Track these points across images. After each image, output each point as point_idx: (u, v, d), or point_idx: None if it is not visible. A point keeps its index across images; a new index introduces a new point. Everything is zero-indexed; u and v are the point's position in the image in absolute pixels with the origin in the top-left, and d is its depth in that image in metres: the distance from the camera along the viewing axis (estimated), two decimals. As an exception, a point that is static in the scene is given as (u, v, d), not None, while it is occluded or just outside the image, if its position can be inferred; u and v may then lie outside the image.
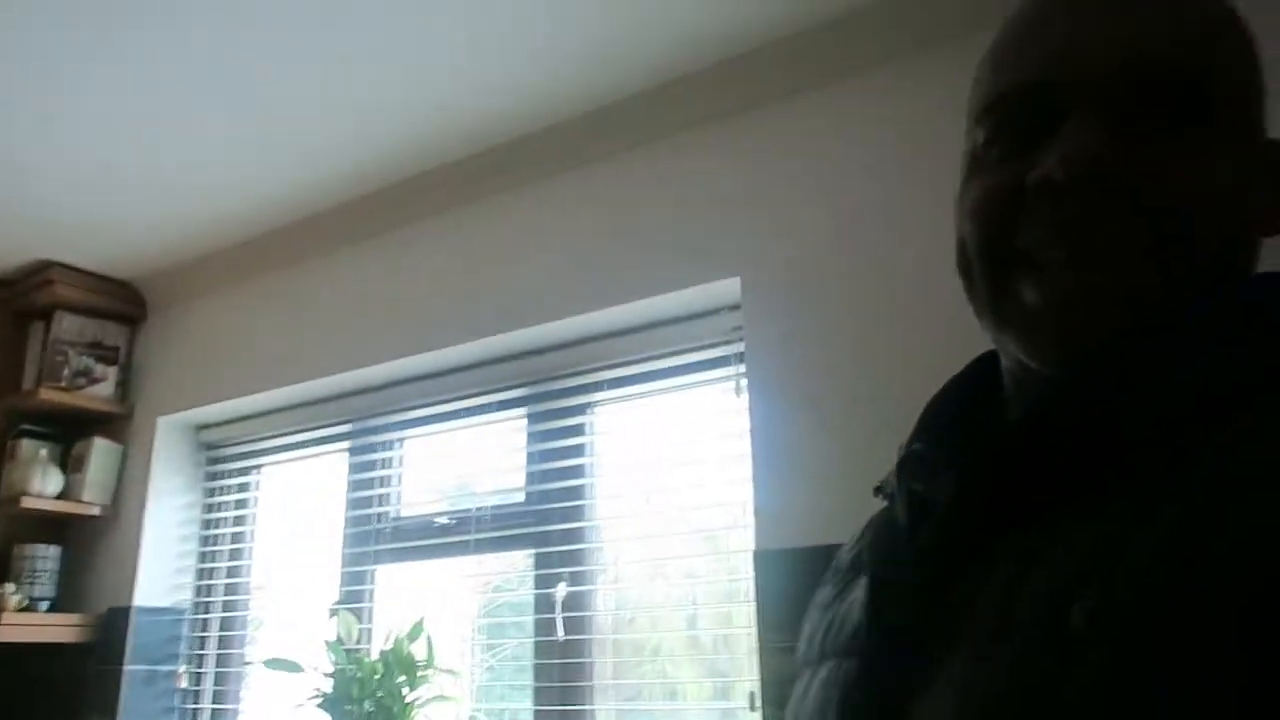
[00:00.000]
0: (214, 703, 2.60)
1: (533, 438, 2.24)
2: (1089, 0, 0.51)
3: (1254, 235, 0.52)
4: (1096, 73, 0.49)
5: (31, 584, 2.58)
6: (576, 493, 2.13)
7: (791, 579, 1.62)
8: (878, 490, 0.61)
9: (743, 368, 1.86)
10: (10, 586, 2.52)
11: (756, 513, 1.74)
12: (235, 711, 2.59)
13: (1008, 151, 0.52)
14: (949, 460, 0.54)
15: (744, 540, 1.85)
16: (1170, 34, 0.49)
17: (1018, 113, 0.51)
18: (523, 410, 2.27)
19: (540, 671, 2.07)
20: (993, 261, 0.52)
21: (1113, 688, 0.37)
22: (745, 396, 1.85)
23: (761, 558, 1.69)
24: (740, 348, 1.87)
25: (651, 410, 2.13)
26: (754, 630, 1.70)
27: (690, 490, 2.11)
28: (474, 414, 2.32)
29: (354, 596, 2.40)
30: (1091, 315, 0.47)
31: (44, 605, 2.59)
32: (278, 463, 2.71)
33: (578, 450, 2.16)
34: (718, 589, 2.00)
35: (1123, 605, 0.38)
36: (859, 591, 0.55)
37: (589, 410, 2.18)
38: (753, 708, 1.69)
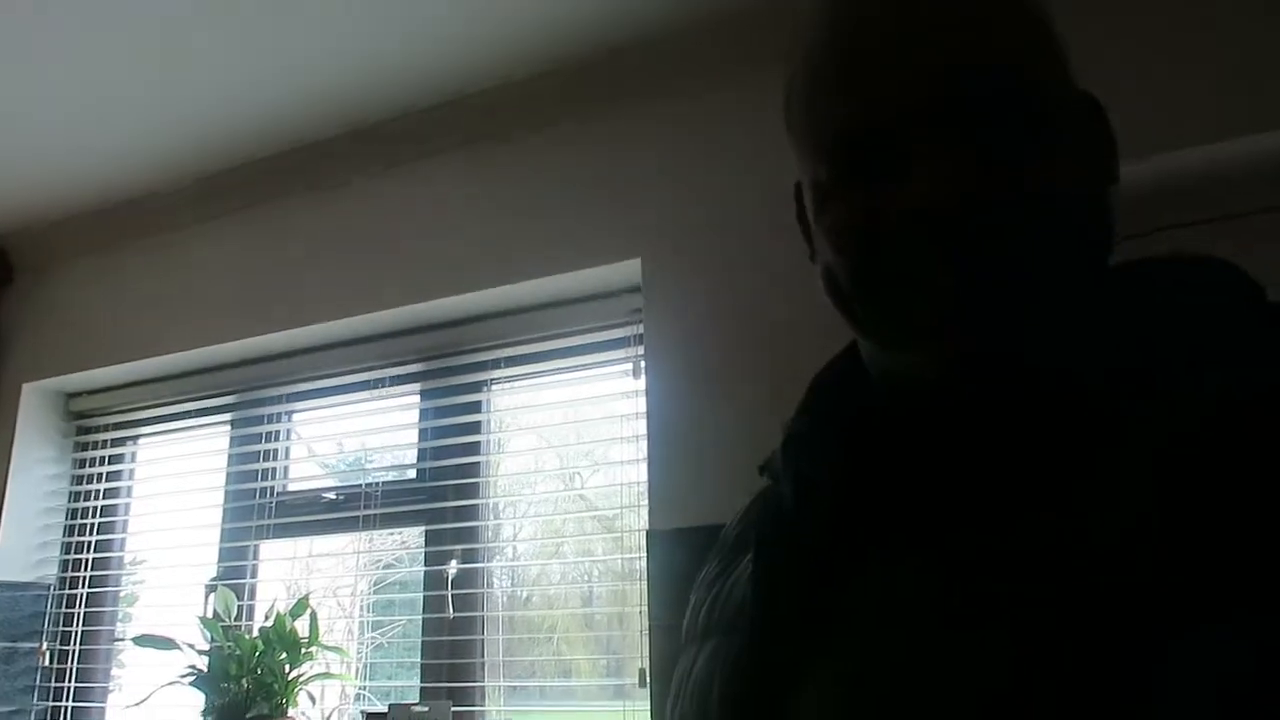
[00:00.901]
0: (79, 681, 2.48)
1: (426, 414, 2.21)
2: (906, 13, 0.50)
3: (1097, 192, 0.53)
4: (934, 104, 0.48)
5: (-124, 557, 2.41)
6: (471, 470, 2.11)
7: (684, 558, 1.65)
8: (762, 469, 0.62)
9: (641, 349, 1.88)
10: None
11: (650, 493, 1.76)
12: (103, 690, 2.48)
13: (853, 180, 0.51)
14: (831, 441, 0.55)
15: (638, 520, 1.87)
16: (988, 39, 0.49)
17: (859, 147, 0.51)
18: (416, 386, 2.23)
19: (429, 649, 2.05)
20: (869, 286, 0.51)
21: (1002, 668, 0.39)
22: (643, 378, 1.86)
23: (654, 537, 1.71)
24: (640, 329, 1.88)
25: (549, 390, 2.13)
26: (645, 609, 1.72)
27: (586, 470, 2.12)
28: (366, 388, 2.27)
29: (235, 572, 2.33)
30: (992, 315, 0.48)
31: (-110, 579, 2.43)
32: (155, 434, 2.59)
33: (473, 428, 2.14)
34: (612, 569, 2.02)
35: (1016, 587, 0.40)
36: (744, 568, 0.55)
37: (485, 388, 2.16)
38: (642, 684, 1.71)
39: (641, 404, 1.86)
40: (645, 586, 1.71)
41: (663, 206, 1.87)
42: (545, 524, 2.23)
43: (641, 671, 1.72)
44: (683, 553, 1.65)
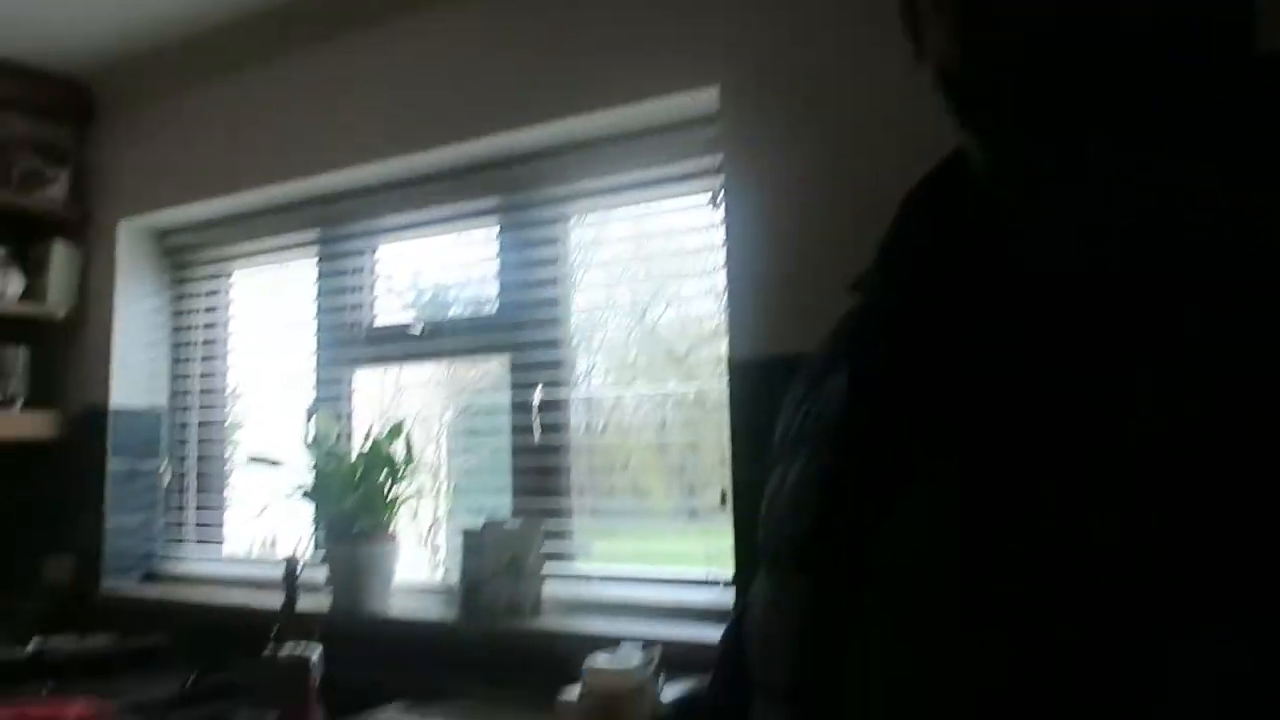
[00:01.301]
0: (199, 497, 2.69)
1: (505, 248, 2.25)
2: None
3: None
4: None
5: (3, 384, 2.59)
6: (549, 304, 2.16)
7: (763, 388, 1.69)
8: (854, 286, 0.61)
9: (720, 180, 1.87)
10: (-18, 386, 2.54)
11: (729, 324, 1.79)
12: (219, 506, 2.69)
13: None
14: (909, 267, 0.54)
15: (717, 351, 1.92)
16: None
17: None
18: (495, 220, 2.26)
19: (517, 472, 2.17)
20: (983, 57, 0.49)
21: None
22: (722, 209, 1.86)
23: (734, 367, 1.76)
24: (718, 159, 1.86)
25: (626, 224, 2.14)
26: (725, 437, 1.79)
27: (662, 303, 2.15)
28: (446, 223, 2.31)
29: (331, 400, 2.46)
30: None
31: (18, 404, 2.62)
32: (246, 269, 2.69)
33: (551, 262, 2.18)
34: (687, 399, 2.09)
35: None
36: (837, 382, 0.55)
37: (562, 222, 2.18)
38: (723, 503, 1.80)
39: (720, 235, 1.87)
40: (726, 416, 1.77)
41: (742, 30, 1.81)
42: (622, 356, 2.29)
43: (723, 493, 1.81)
44: (763, 382, 1.70)
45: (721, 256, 1.88)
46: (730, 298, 1.79)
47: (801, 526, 0.54)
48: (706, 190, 1.95)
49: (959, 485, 0.44)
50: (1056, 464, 0.41)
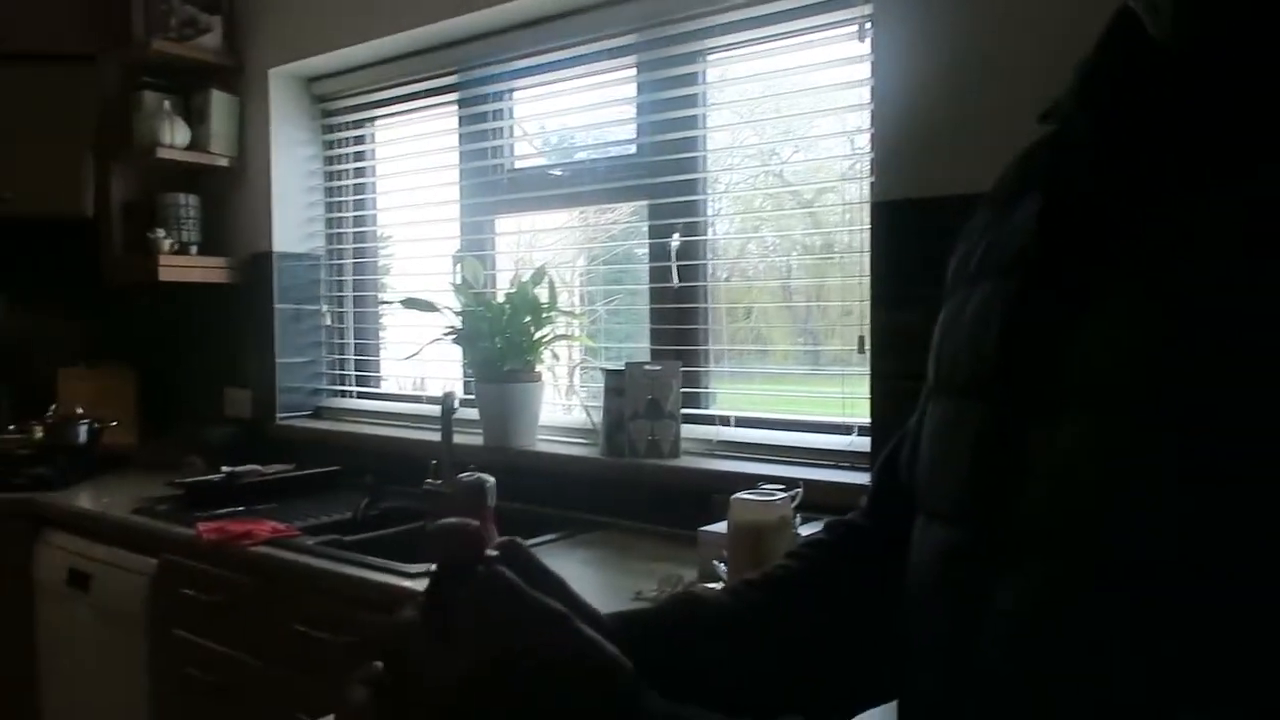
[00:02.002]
0: (356, 338, 2.86)
1: (643, 88, 2.20)
2: None
3: None
4: None
5: (179, 230, 2.77)
6: (689, 144, 2.13)
7: (909, 230, 1.64)
8: (1045, 116, 0.58)
9: (868, 9, 1.75)
10: (160, 232, 2.72)
11: (876, 163, 1.72)
12: (376, 345, 2.85)
13: None
14: (1119, 79, 0.51)
15: (846, 196, 1.85)
16: None
17: None
18: (633, 59, 2.21)
19: (656, 315, 2.20)
20: None
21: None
22: (869, 42, 1.76)
23: (879, 209, 1.70)
24: (868, -13, 1.75)
25: (768, 59, 2.05)
26: (866, 281, 1.75)
27: (805, 142, 2.08)
28: (583, 62, 2.27)
29: (475, 244, 2.53)
30: None
31: (193, 249, 2.81)
32: (390, 115, 2.74)
33: (690, 101, 2.12)
34: (830, 241, 2.05)
35: None
36: (1026, 210, 0.54)
37: (701, 59, 2.11)
38: (861, 350, 1.78)
39: (867, 70, 1.77)
40: (869, 259, 1.73)
41: None
42: (751, 201, 2.25)
43: (861, 338, 1.79)
44: (908, 224, 1.64)
45: (865, 93, 1.79)
46: (877, 136, 1.72)
47: (982, 353, 0.54)
48: (851, 21, 1.84)
49: (1145, 308, 0.44)
50: (1236, 287, 0.41)
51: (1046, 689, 0.45)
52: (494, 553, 0.45)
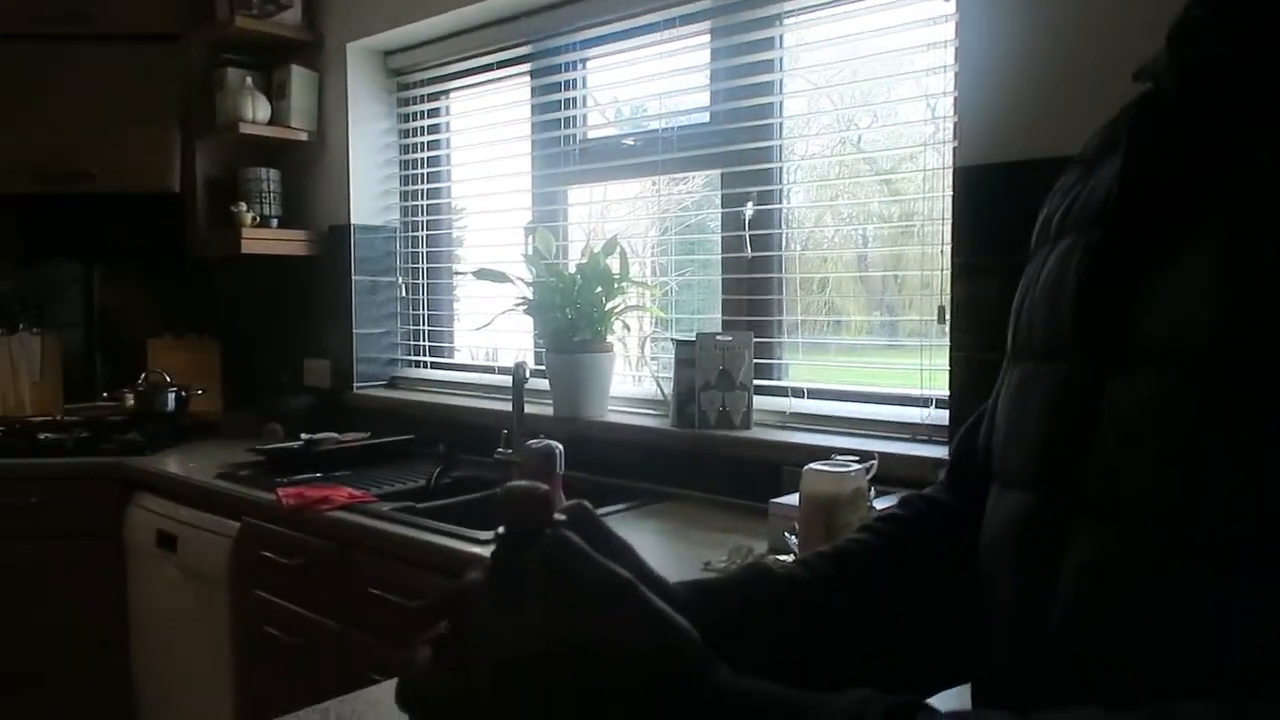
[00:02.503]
0: (430, 309, 2.89)
1: (717, 54, 2.17)
2: None
3: None
4: None
5: (260, 204, 2.84)
6: (764, 111, 2.09)
7: (993, 195, 1.58)
8: (1138, 74, 0.56)
9: (954, -34, 1.69)
10: (243, 205, 2.78)
11: (961, 126, 1.66)
12: (450, 316, 2.88)
13: None
14: (1225, 31, 0.48)
15: (941, 159, 1.79)
16: None
17: None
18: (706, 25, 2.17)
19: (728, 286, 2.17)
20: None
21: None
22: (954, 1, 1.70)
23: (963, 174, 1.64)
24: (953, -57, 1.68)
25: (846, 21, 1.99)
26: (945, 250, 1.70)
27: (885, 108, 2.02)
28: (655, 30, 2.24)
29: (547, 215, 2.53)
30: None
31: (274, 222, 2.87)
32: (464, 87, 2.75)
33: (765, 66, 2.08)
34: (909, 210, 1.99)
35: None
36: (1109, 167, 0.53)
37: (777, 23, 2.07)
38: (941, 320, 1.73)
39: (951, 30, 1.71)
40: (950, 225, 1.68)
41: None
42: (827, 171, 2.19)
43: (940, 308, 1.74)
44: (991, 190, 1.59)
45: (948, 55, 1.73)
46: (962, 98, 1.66)
47: (1059, 311, 0.52)
48: (937, -21, 1.77)
49: (1229, 265, 0.42)
50: None
51: (1118, 654, 0.43)
52: (561, 517, 0.44)
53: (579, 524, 0.44)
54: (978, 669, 0.57)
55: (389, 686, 1.03)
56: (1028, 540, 0.51)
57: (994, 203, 1.58)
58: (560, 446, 1.82)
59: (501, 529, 0.43)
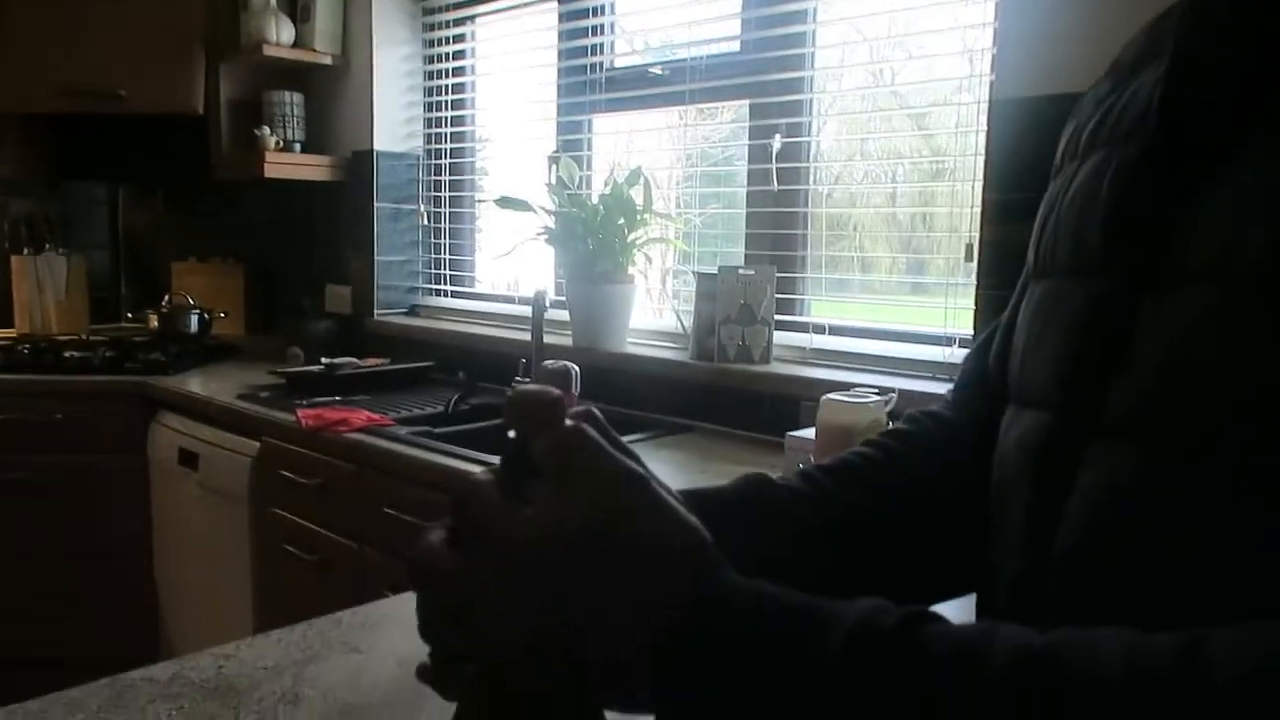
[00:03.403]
0: (451, 238, 2.88)
1: (749, -19, 2.11)
2: None
3: None
4: None
5: (284, 127, 2.81)
6: (795, 40, 2.03)
7: (1030, 129, 1.54)
8: None
9: (999, -111, 1.63)
10: (266, 129, 2.76)
11: (999, 58, 1.61)
12: (471, 246, 2.87)
13: None
14: None
15: (976, 94, 1.75)
16: None
17: None
18: (739, -51, 2.11)
19: (752, 220, 2.14)
20: None
21: None
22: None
23: (1000, 107, 1.60)
24: None
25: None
26: (976, 187, 1.66)
27: (920, 39, 1.97)
28: (687, -46, 2.18)
29: (571, 145, 2.49)
30: None
31: (297, 147, 2.85)
32: (490, 13, 2.70)
33: (798, -6, 2.02)
34: (940, 147, 1.95)
35: None
36: (1149, 76, 0.50)
37: (812, -52, 2.00)
38: (969, 259, 1.70)
39: (993, -43, 1.66)
40: (984, 160, 1.64)
41: None
42: (871, 101, 2.14)
43: (968, 246, 1.71)
44: (1029, 123, 1.54)
45: (991, -17, 1.68)
46: (1001, 28, 1.61)
47: (1089, 226, 0.50)
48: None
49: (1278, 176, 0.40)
50: None
51: (1128, 577, 0.42)
52: (571, 423, 0.43)
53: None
54: (983, 587, 0.57)
55: (403, 599, 1.04)
56: (1043, 460, 0.49)
57: (1030, 138, 1.54)
58: (576, 368, 1.83)
59: (511, 433, 0.42)
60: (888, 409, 1.41)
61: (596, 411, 0.44)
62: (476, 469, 1.41)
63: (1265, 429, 0.37)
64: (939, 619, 0.36)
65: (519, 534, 0.38)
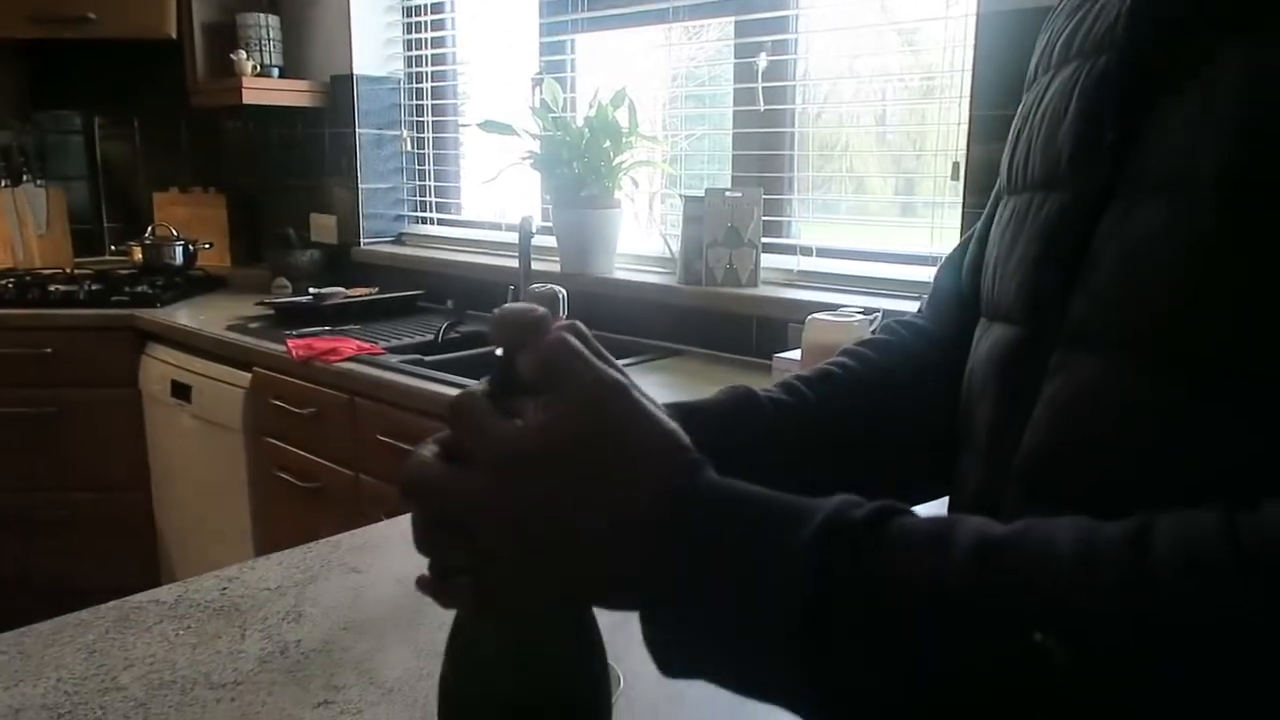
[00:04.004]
0: (435, 164, 2.85)
1: (734, -108, 2.05)
2: None
3: None
4: None
5: (260, 51, 2.75)
6: (781, -45, 1.99)
7: (1019, 43, 1.52)
8: None
9: None
10: (242, 54, 2.71)
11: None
12: (456, 172, 2.84)
13: None
14: None
15: (965, 7, 1.72)
16: None
17: None
18: None
19: (739, 141, 2.13)
20: None
21: None
22: None
23: (988, 21, 1.58)
24: None
25: None
26: (964, 105, 1.65)
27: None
28: None
29: (555, 66, 2.45)
30: None
31: (275, 72, 2.79)
32: (468, -73, 2.63)
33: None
34: (915, 83, 1.92)
35: None
36: None
37: None
38: (955, 177, 1.70)
39: None
40: (970, 76, 1.62)
41: None
42: (846, 28, 2.11)
43: (955, 164, 1.70)
44: (1014, 39, 1.53)
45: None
46: (988, -61, 1.58)
47: (1058, 139, 0.50)
48: None
49: (1243, 87, 0.40)
50: None
51: (1090, 480, 0.44)
52: None
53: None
54: (953, 487, 0.58)
55: (398, 522, 1.06)
56: (1010, 370, 0.51)
57: (1017, 52, 1.51)
58: (564, 291, 1.83)
59: (499, 351, 0.43)
60: (872, 329, 1.42)
61: (581, 326, 0.45)
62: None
63: (1222, 337, 0.39)
64: (908, 512, 0.37)
65: (509, 445, 0.39)
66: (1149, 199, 0.43)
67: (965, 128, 1.63)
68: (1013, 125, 0.58)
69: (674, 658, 0.38)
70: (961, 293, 0.63)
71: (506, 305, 0.44)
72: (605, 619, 0.44)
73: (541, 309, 0.43)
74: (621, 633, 0.44)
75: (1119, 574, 0.32)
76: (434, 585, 0.43)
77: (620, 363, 0.43)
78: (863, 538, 0.36)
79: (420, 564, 0.43)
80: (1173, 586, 0.31)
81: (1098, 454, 0.44)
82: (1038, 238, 0.50)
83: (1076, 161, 0.48)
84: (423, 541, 0.43)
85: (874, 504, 0.37)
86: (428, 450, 0.43)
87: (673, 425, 0.41)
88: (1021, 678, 0.32)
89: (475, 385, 0.44)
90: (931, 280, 0.71)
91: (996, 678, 0.33)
